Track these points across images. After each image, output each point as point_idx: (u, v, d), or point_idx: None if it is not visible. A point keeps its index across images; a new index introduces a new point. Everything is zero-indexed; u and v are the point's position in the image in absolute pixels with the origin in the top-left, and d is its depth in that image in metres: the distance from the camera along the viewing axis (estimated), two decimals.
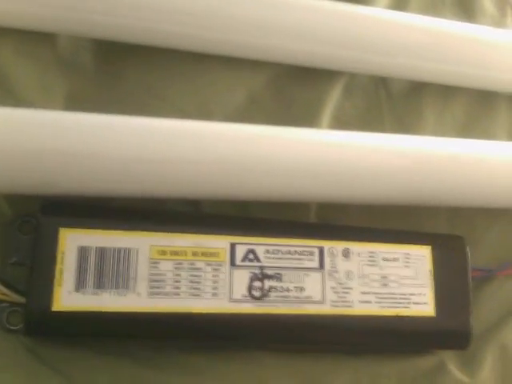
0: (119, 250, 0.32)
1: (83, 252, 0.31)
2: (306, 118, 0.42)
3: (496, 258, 0.44)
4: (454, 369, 0.41)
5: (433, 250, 0.38)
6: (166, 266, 0.32)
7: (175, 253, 0.33)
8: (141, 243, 0.32)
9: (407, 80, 0.46)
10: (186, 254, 0.33)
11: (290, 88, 0.43)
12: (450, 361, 0.41)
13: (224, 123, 0.36)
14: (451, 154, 0.39)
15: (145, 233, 0.32)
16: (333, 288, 0.35)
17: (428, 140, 0.40)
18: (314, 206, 0.40)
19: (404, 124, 0.45)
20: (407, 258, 0.37)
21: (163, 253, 0.33)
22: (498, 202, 0.42)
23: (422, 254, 0.38)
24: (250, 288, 0.34)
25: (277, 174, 0.35)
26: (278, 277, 0.34)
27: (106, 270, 0.31)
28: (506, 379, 0.42)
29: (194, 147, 0.33)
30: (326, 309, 0.35)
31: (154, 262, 0.32)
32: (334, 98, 0.43)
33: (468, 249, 0.39)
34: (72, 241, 0.31)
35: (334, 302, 0.35)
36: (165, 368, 0.35)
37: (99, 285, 0.31)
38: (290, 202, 0.39)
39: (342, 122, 0.43)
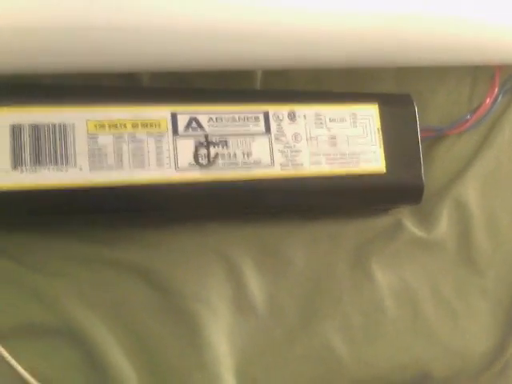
0: (54, 125, 0.31)
1: (16, 130, 0.30)
2: None
3: (446, 118, 0.44)
4: (411, 226, 0.42)
5: (380, 108, 0.37)
6: (106, 139, 0.32)
7: (114, 126, 0.32)
8: (76, 118, 0.31)
9: None
10: (125, 127, 0.32)
11: None
12: (407, 219, 0.42)
13: None
14: (398, 13, 0.38)
15: (80, 108, 0.31)
16: (281, 151, 0.35)
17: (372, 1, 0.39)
18: (258, 75, 0.39)
19: None
20: (354, 118, 0.37)
21: (101, 127, 0.32)
22: (445, 61, 0.42)
23: (369, 113, 0.37)
24: (196, 156, 0.33)
25: (220, 40, 0.33)
26: (223, 143, 0.34)
27: (43, 146, 0.31)
28: (463, 233, 0.43)
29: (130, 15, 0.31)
30: (275, 171, 0.35)
31: (92, 137, 0.31)
32: None
33: (415, 104, 0.38)
34: (3, 119, 0.30)
35: (283, 164, 0.35)
36: (116, 244, 0.35)
37: (37, 161, 0.30)
38: (235, 72, 0.37)
39: None
